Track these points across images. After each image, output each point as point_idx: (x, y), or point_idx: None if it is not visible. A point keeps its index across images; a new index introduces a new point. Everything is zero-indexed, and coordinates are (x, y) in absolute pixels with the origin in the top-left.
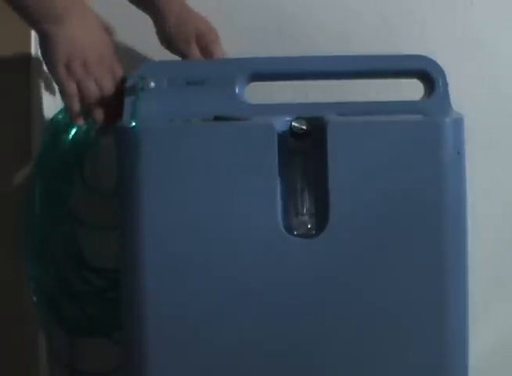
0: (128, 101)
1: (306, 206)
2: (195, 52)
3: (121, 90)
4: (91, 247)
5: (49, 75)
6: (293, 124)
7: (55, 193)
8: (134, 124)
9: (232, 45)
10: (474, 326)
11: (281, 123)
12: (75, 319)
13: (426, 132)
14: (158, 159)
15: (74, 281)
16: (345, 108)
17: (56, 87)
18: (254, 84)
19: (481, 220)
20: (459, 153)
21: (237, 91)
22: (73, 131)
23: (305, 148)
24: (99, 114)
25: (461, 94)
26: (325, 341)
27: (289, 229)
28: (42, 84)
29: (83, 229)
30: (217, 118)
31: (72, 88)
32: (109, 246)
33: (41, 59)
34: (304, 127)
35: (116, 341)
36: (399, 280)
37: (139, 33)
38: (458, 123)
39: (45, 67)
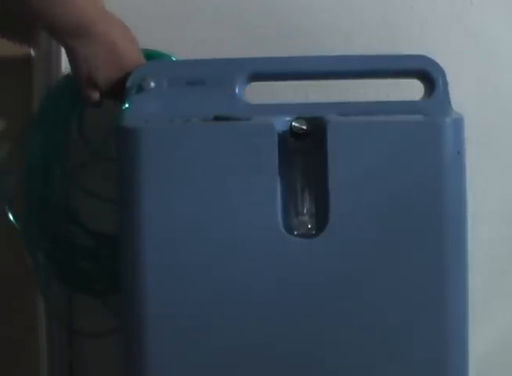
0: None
1: (306, 206)
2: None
3: None
4: (89, 210)
5: (49, 75)
6: (293, 124)
7: (54, 145)
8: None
9: (232, 44)
10: (474, 325)
11: (281, 123)
12: (71, 273)
13: (426, 132)
14: (158, 159)
15: (64, 235)
16: (345, 108)
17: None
18: (254, 84)
19: (481, 219)
20: (459, 153)
21: (237, 91)
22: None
23: (305, 148)
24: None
25: (461, 94)
26: (325, 341)
27: (289, 229)
28: (43, 84)
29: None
30: (217, 118)
31: (96, 97)
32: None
33: (42, 58)
34: (304, 127)
35: (108, 306)
36: (399, 279)
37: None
38: (458, 123)
39: (45, 62)
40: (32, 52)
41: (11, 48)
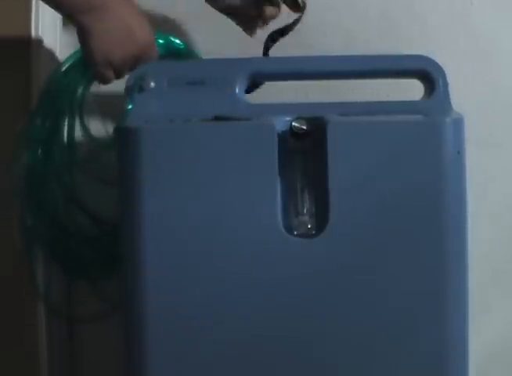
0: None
1: (306, 206)
2: None
3: None
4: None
5: (49, 57)
6: (293, 124)
7: (54, 135)
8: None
9: (232, 44)
10: (474, 325)
11: (281, 123)
12: (71, 259)
13: (426, 132)
14: (158, 159)
15: (69, 225)
16: (345, 108)
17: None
18: None
19: (481, 219)
20: (459, 153)
21: (237, 91)
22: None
23: (305, 148)
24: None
25: (461, 94)
26: (325, 341)
27: (289, 229)
28: (42, 67)
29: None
30: (217, 118)
31: (110, 76)
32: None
33: (42, 39)
34: (305, 127)
35: (106, 298)
36: (399, 279)
37: None
38: (458, 123)
39: (44, 46)
40: (32, 35)
41: (10, 30)
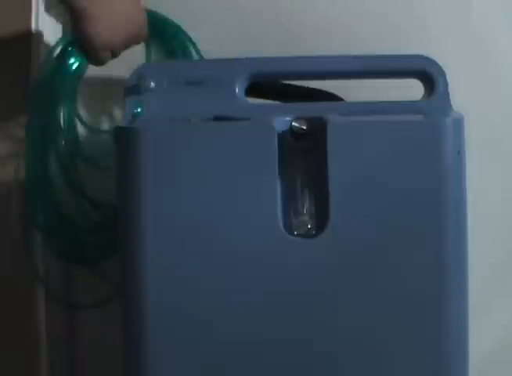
0: (128, 101)
1: (306, 206)
2: None
3: None
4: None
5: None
6: (293, 124)
7: (53, 122)
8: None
9: (233, 45)
10: (474, 325)
11: (281, 123)
12: (70, 245)
13: (426, 132)
14: (158, 159)
15: (68, 210)
16: (345, 108)
17: None
18: None
19: (481, 219)
20: (459, 153)
21: (237, 91)
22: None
23: (305, 148)
24: None
25: (461, 94)
26: (325, 341)
27: (289, 229)
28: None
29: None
30: (217, 118)
31: (108, 58)
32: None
33: (42, 33)
34: (305, 127)
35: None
36: (399, 279)
37: None
38: (458, 123)
39: (45, 39)
40: (33, 29)
41: (11, 24)
